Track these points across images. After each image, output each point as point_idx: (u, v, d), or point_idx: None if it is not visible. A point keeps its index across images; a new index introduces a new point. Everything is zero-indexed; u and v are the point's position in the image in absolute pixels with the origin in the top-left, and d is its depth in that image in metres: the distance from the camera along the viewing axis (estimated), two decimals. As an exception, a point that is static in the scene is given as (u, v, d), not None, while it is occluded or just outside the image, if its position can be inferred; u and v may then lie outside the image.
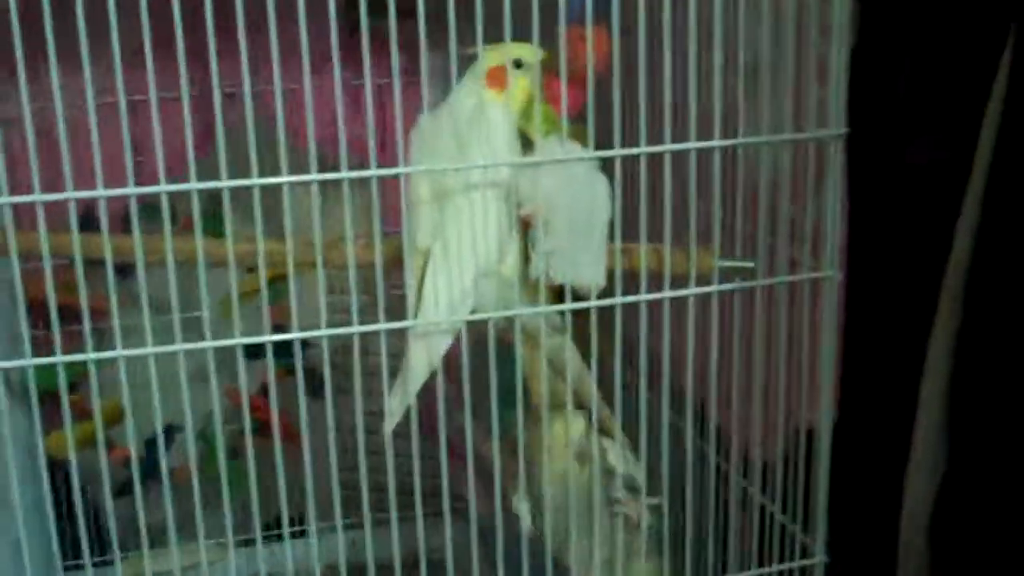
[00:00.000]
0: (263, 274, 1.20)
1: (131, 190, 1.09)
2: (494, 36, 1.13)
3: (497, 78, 1.23)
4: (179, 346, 1.14)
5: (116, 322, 1.14)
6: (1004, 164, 1.33)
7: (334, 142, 1.18)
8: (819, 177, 1.25)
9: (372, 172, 1.12)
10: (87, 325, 1.14)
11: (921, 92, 1.53)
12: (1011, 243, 1.33)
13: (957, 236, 1.39)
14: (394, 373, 1.22)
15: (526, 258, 1.23)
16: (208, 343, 1.16)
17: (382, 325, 1.16)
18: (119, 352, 1.13)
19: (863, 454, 1.59)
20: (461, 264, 1.21)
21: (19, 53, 1.02)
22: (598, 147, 1.17)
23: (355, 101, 1.78)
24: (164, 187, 1.09)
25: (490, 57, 1.23)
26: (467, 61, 1.24)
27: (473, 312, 1.22)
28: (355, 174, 1.12)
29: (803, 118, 1.24)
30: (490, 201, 1.21)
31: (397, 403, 1.22)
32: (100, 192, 1.08)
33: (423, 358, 1.20)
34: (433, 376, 1.20)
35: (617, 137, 1.16)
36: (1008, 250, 1.34)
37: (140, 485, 1.27)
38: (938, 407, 1.51)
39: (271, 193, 1.12)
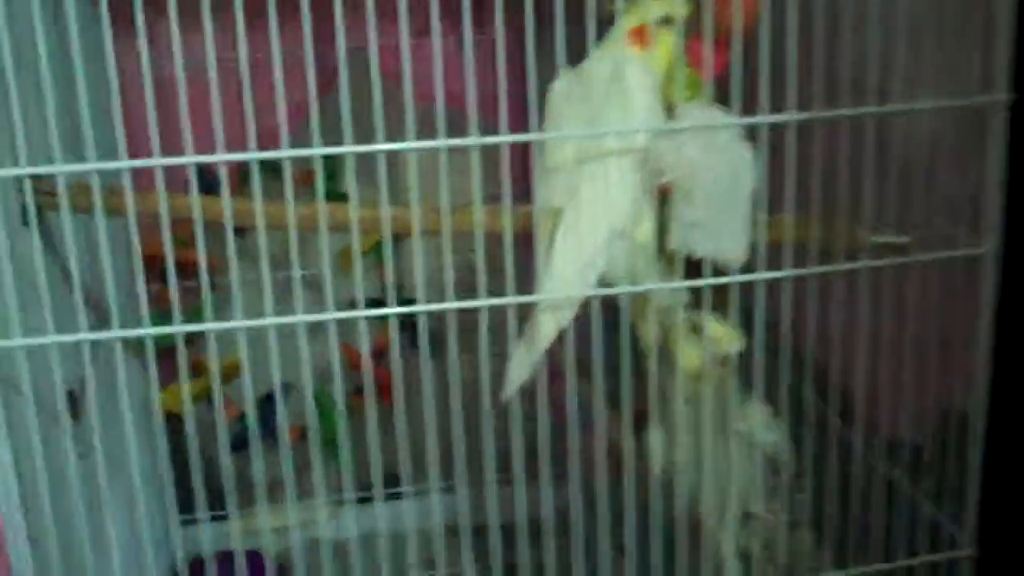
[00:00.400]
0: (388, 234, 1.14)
1: (252, 155, 1.05)
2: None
3: (640, 35, 1.16)
4: (299, 317, 1.10)
5: (236, 290, 1.10)
6: None
7: (459, 100, 1.13)
8: (979, 147, 1.16)
9: (502, 139, 1.06)
10: (206, 286, 1.11)
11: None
12: None
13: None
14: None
15: (664, 229, 1.16)
16: (330, 315, 1.11)
17: (511, 299, 1.11)
18: (239, 323, 1.09)
19: (1018, 441, 1.50)
20: (593, 226, 1.15)
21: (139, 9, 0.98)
22: (744, 113, 1.09)
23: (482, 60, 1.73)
24: (287, 152, 1.05)
25: (633, 14, 1.16)
26: (605, 26, 1.17)
27: (603, 278, 1.16)
28: (485, 140, 1.06)
29: (964, 83, 1.15)
30: (626, 167, 1.14)
31: (518, 370, 1.17)
32: (221, 156, 1.04)
33: (550, 325, 1.15)
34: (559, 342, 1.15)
35: (765, 103, 1.09)
36: None
37: (255, 443, 1.24)
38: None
39: (394, 153, 1.07)
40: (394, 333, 1.17)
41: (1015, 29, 1.12)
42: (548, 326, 1.15)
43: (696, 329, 1.23)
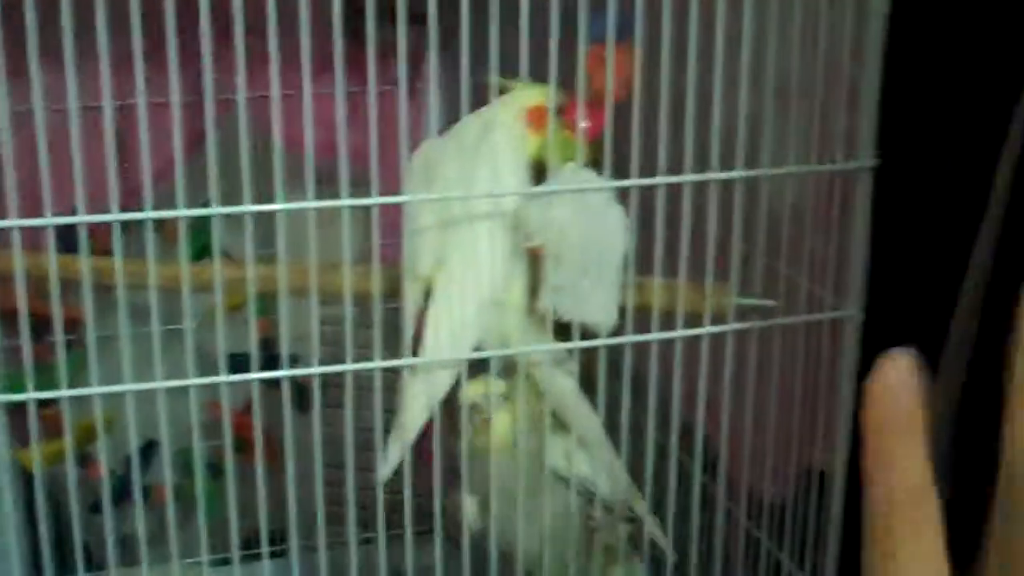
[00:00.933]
0: (252, 290, 1.11)
1: (114, 216, 1.01)
2: (506, 55, 1.05)
3: (539, 119, 1.15)
4: (159, 383, 1.07)
5: (93, 355, 1.06)
6: None
7: (331, 149, 1.10)
8: (844, 211, 1.17)
9: (373, 200, 1.04)
10: (61, 348, 1.07)
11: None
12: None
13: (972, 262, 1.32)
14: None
15: (533, 291, 1.15)
16: (191, 380, 1.08)
17: (378, 363, 1.09)
18: (95, 389, 1.05)
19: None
20: (464, 294, 1.13)
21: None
22: (616, 176, 1.09)
23: (355, 111, 1.70)
24: (150, 213, 1.02)
25: (528, 95, 1.15)
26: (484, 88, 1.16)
27: (477, 345, 1.15)
28: (354, 202, 1.04)
29: (830, 147, 1.16)
30: (496, 230, 1.13)
31: (394, 449, 1.14)
32: (81, 219, 1.00)
33: (422, 399, 1.13)
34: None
35: (635, 165, 1.09)
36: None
37: (112, 504, 1.20)
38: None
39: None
40: (257, 394, 1.14)
41: (879, 96, 1.14)
42: (419, 401, 1.13)
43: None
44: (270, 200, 1.04)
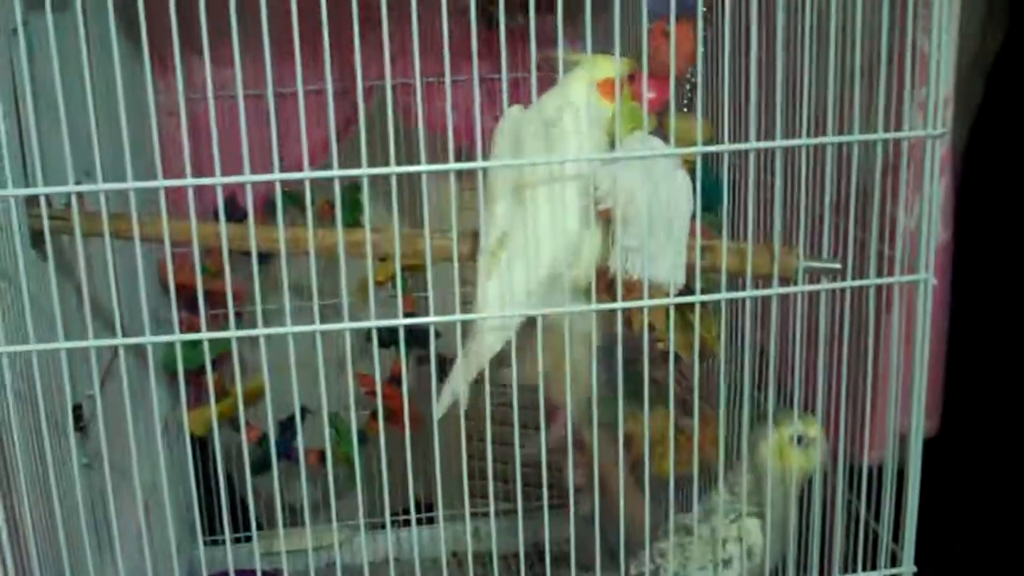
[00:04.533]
0: (398, 261, 1.19)
1: (276, 176, 1.11)
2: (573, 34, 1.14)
3: (609, 89, 1.25)
4: (316, 326, 1.15)
5: (259, 305, 1.17)
6: None
7: (468, 133, 1.20)
8: (917, 179, 1.21)
9: (450, 167, 1.13)
10: (231, 307, 1.18)
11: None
12: None
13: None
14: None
15: (604, 255, 1.23)
16: (345, 324, 1.17)
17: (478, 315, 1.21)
18: (260, 331, 1.15)
19: (973, 466, 1.54)
20: (536, 262, 1.23)
21: (176, 48, 1.06)
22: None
23: (490, 95, 1.82)
24: (307, 173, 1.12)
25: (602, 67, 1.25)
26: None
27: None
28: (486, 164, 1.14)
29: (901, 117, 1.21)
30: (570, 198, 1.22)
31: (445, 396, 1.25)
32: (247, 177, 1.11)
33: (493, 340, 1.23)
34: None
35: (699, 135, 1.16)
36: None
37: (268, 467, 1.29)
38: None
39: (409, 183, 1.13)
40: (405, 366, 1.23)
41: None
42: (492, 341, 1.23)
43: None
44: (414, 179, 1.15)
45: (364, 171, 1.12)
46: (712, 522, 1.34)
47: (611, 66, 1.24)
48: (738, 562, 1.32)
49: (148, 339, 1.14)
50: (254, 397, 1.84)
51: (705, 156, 1.14)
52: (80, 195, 1.14)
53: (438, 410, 1.26)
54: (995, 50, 1.65)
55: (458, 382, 1.24)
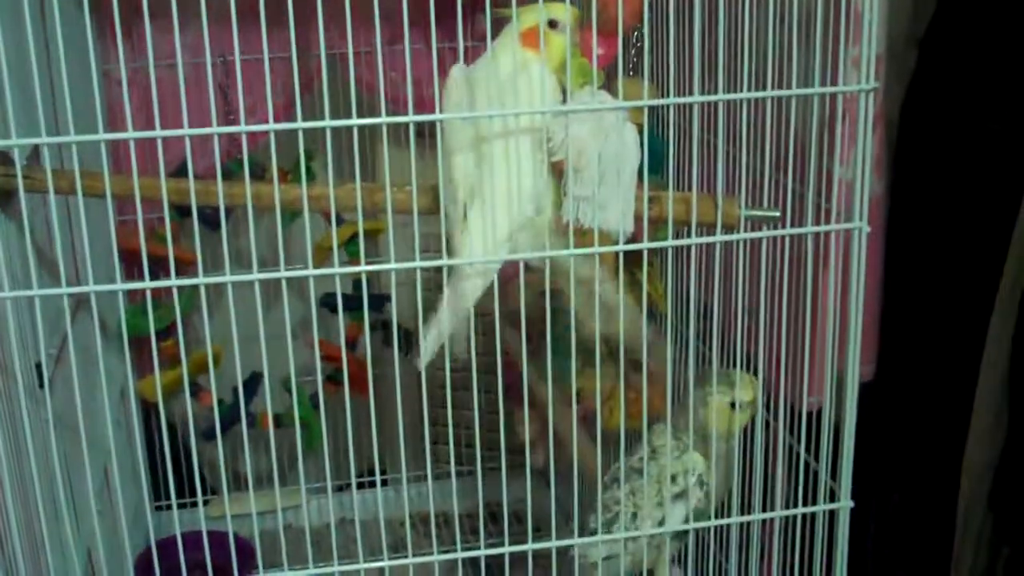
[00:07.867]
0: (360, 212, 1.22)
1: (242, 128, 1.14)
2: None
3: (532, 38, 1.29)
4: (282, 273, 1.17)
5: (226, 252, 1.17)
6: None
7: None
8: (852, 133, 1.27)
9: (409, 118, 1.17)
10: (200, 256, 1.20)
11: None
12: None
13: None
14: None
15: (559, 203, 1.28)
16: (310, 271, 1.19)
17: (444, 261, 1.24)
18: (227, 277, 1.17)
19: (908, 410, 1.60)
20: (497, 214, 1.28)
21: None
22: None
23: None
24: (244, 127, 1.15)
25: (525, 18, 1.29)
26: (503, 23, 1.30)
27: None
28: (392, 119, 1.17)
29: (837, 73, 1.27)
30: (527, 151, 1.27)
31: (430, 342, 1.30)
32: (215, 129, 1.15)
33: (475, 283, 1.28)
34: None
35: (646, 96, 1.21)
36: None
37: (223, 431, 1.31)
38: (1000, 372, 1.52)
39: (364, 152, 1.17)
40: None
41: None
42: (474, 285, 1.28)
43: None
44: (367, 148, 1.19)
45: (327, 123, 1.16)
46: (661, 461, 1.40)
47: (534, 16, 1.29)
48: (691, 492, 1.38)
49: (91, 288, 1.17)
50: (203, 365, 1.87)
51: (651, 120, 1.19)
52: (36, 154, 1.17)
53: (424, 355, 1.29)
54: (927, 20, 1.73)
55: (444, 325, 1.29)
